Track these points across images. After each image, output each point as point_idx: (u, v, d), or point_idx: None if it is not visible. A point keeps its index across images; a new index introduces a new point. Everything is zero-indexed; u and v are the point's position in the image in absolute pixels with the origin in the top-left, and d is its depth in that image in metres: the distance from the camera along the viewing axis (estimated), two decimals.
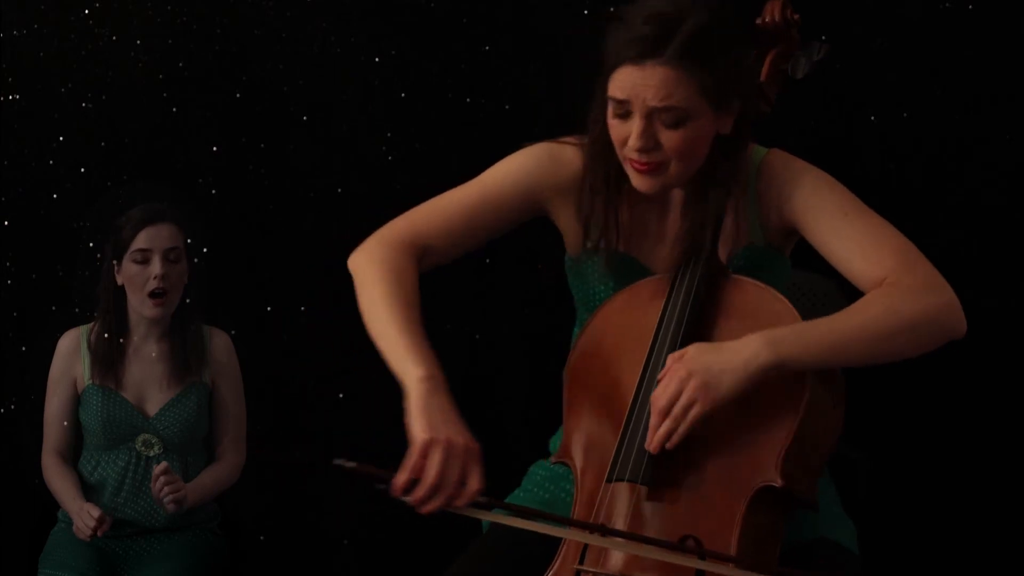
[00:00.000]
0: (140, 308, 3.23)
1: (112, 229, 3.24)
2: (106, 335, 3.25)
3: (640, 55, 2.04)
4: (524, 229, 2.31)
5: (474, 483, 1.93)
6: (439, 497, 1.92)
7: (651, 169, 2.11)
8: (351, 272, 2.20)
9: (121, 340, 3.25)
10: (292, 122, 3.69)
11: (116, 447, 3.23)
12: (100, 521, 3.07)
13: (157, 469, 3.09)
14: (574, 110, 2.22)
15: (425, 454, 1.92)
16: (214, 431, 3.33)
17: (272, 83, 3.68)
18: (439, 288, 2.33)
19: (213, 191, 3.70)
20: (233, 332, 3.39)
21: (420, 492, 1.92)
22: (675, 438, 2.01)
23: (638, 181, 2.13)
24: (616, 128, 2.11)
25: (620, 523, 2.03)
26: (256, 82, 3.68)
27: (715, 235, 2.17)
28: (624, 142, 2.10)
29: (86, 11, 3.61)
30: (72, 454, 3.29)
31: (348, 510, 3.75)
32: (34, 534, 3.33)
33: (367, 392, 3.71)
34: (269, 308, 3.75)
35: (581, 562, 2.03)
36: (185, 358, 3.27)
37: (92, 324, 3.30)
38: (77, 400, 3.27)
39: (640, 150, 2.09)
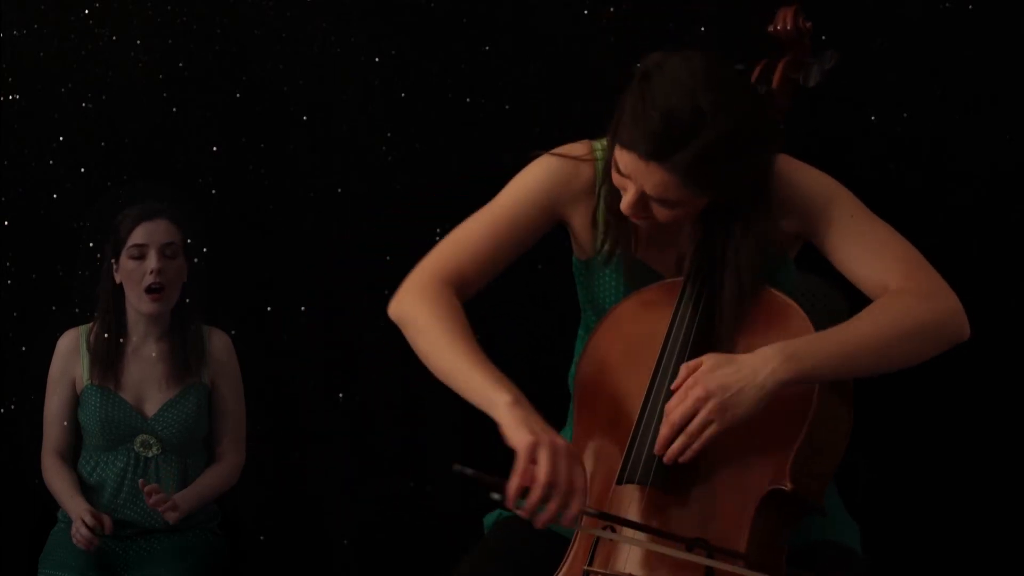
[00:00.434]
0: (137, 304, 3.22)
1: (110, 227, 3.24)
2: (105, 335, 3.24)
3: (647, 153, 2.02)
4: None
5: (580, 481, 1.95)
6: (554, 498, 1.92)
7: (642, 219, 2.14)
8: (397, 321, 2.19)
9: (120, 340, 3.25)
10: (292, 122, 3.69)
11: (115, 448, 3.23)
12: (94, 529, 3.06)
13: (147, 489, 3.07)
14: (573, 110, 2.22)
15: (533, 458, 1.93)
16: (214, 431, 3.33)
17: (272, 83, 3.68)
18: None
19: (213, 191, 3.70)
20: (233, 332, 3.38)
21: (535, 494, 1.93)
22: (689, 453, 2.02)
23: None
24: (616, 176, 2.12)
25: None
26: (256, 82, 3.67)
27: (728, 242, 2.16)
28: (621, 188, 2.11)
29: (86, 11, 3.61)
30: (72, 454, 3.28)
31: (348, 510, 3.75)
32: (34, 534, 3.32)
33: (367, 392, 3.71)
34: (269, 308, 3.74)
35: (590, 563, 2.04)
36: (185, 358, 3.26)
37: (91, 324, 3.29)
38: (77, 400, 3.27)
39: (630, 215, 2.12)
